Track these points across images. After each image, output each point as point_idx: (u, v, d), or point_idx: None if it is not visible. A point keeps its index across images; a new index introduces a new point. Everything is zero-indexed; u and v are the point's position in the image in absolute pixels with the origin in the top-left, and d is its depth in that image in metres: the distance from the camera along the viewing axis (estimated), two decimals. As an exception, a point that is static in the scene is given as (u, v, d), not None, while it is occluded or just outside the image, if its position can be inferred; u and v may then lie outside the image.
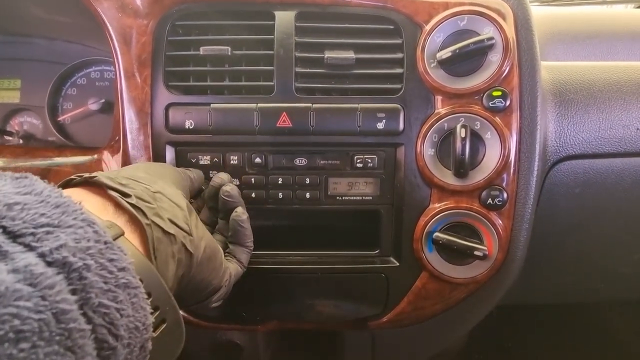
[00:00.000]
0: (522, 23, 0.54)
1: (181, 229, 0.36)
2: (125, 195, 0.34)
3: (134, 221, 0.33)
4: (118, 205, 0.33)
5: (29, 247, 0.22)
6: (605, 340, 1.07)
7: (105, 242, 0.26)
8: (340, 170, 0.55)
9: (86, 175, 0.35)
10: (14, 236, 0.22)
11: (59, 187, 0.34)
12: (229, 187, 0.49)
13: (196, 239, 0.38)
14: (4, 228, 0.22)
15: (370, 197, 0.56)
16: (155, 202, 0.35)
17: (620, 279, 0.80)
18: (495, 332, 1.13)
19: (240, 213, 0.48)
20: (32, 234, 0.23)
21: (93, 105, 0.67)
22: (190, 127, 0.53)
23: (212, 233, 0.49)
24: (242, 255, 0.48)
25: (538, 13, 0.85)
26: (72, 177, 0.35)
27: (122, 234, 0.30)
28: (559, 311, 1.10)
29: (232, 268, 0.46)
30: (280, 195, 0.56)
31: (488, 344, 1.14)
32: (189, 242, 0.37)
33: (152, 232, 0.33)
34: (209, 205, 0.52)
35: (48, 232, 0.23)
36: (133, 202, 0.33)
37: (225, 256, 0.47)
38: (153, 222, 0.34)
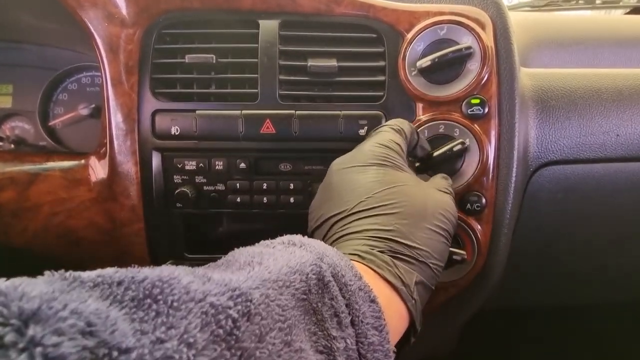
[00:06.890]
0: (501, 32, 0.55)
1: None
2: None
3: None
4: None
5: None
6: (599, 341, 1.08)
7: None
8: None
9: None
10: None
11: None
12: None
13: None
14: None
15: (353, 202, 0.57)
16: None
17: (608, 282, 0.81)
18: (492, 334, 1.14)
19: None
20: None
21: (83, 110, 0.68)
22: (176, 133, 0.54)
23: None
24: None
25: (527, 19, 0.85)
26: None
27: None
28: (554, 313, 1.11)
29: None
30: (265, 200, 0.57)
31: (485, 346, 1.14)
32: None
33: None
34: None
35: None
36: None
37: None
38: None
